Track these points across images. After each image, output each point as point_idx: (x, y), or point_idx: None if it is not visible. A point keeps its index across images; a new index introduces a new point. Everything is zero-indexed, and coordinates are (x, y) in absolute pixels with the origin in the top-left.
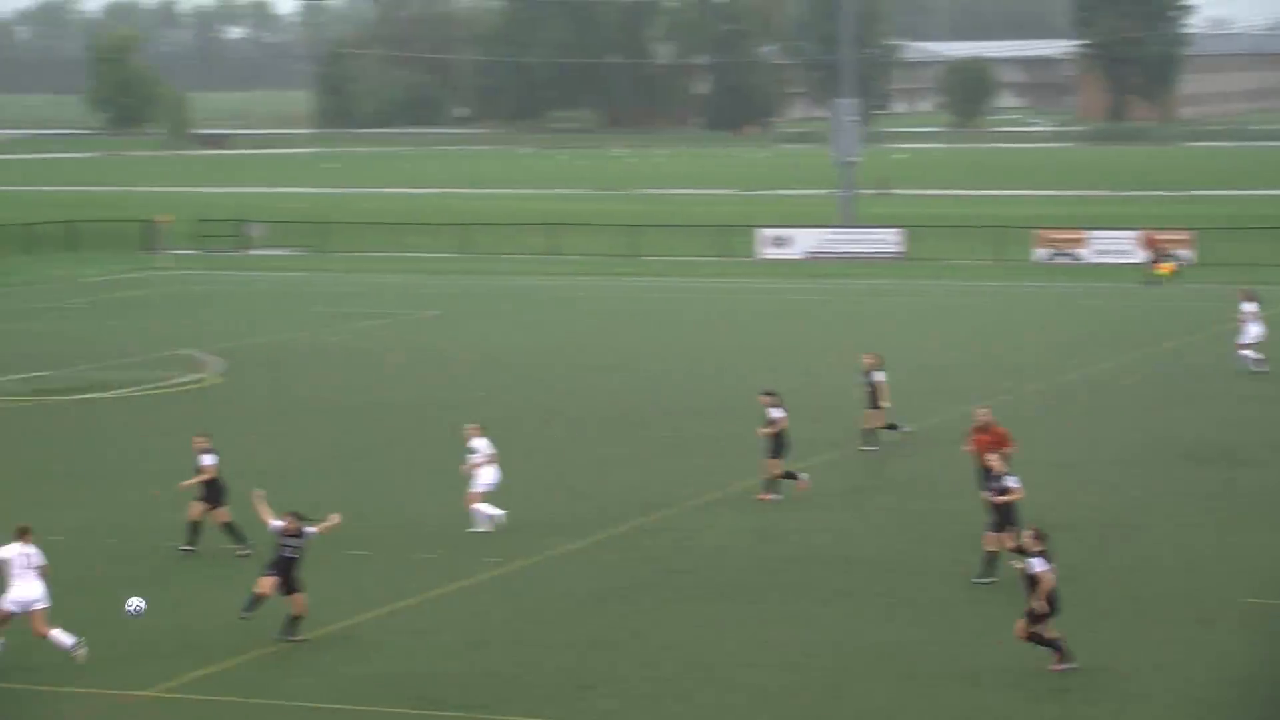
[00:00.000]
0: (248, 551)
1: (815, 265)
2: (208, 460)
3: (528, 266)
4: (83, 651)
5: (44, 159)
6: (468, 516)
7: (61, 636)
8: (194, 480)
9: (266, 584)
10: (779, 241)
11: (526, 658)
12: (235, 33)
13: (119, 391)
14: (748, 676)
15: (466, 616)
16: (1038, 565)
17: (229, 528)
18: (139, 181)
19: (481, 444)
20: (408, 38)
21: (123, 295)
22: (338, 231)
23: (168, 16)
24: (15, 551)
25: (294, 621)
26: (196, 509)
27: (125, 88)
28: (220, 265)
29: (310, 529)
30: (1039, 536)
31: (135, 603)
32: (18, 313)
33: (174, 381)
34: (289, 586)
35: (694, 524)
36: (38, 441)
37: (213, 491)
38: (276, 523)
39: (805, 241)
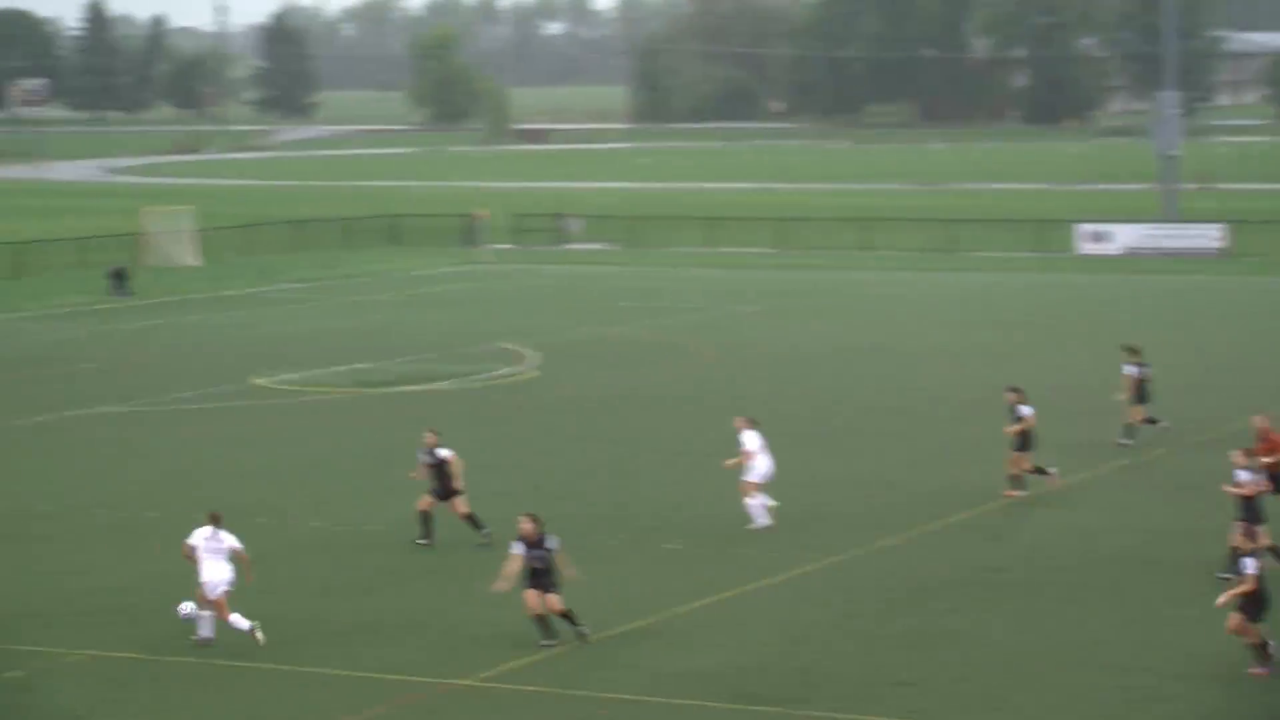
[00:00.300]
0: (487, 540)
1: (1135, 261)
2: (444, 453)
3: (842, 261)
4: (260, 635)
5: (367, 155)
6: (775, 512)
7: (239, 621)
8: (420, 472)
9: (534, 601)
10: (1098, 237)
11: (842, 653)
12: (553, 28)
13: (440, 384)
14: (1066, 678)
15: (782, 611)
16: (1249, 565)
17: (470, 519)
18: (459, 176)
19: (751, 436)
20: (723, 32)
21: (442, 289)
22: (652, 226)
23: (488, 13)
24: (204, 536)
25: (564, 618)
26: (426, 501)
27: (446, 84)
28: (537, 259)
29: (552, 543)
30: (1251, 534)
31: (187, 607)
32: (340, 306)
33: (493, 375)
34: (545, 591)
35: (1009, 521)
36: (359, 433)
37: (443, 484)
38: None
39: (1125, 237)
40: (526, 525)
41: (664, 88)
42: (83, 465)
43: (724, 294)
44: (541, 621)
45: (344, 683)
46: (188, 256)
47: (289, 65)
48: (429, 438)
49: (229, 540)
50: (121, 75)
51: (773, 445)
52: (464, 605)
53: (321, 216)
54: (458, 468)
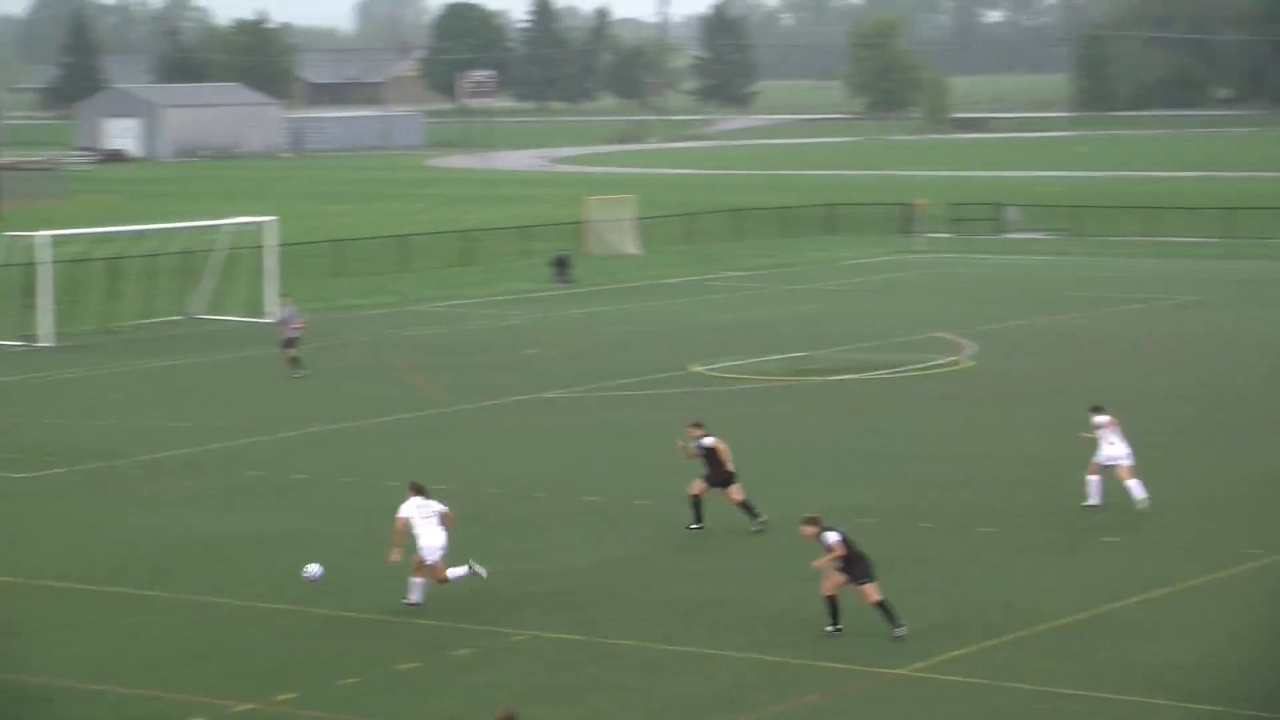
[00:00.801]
0: (761, 528)
1: None
2: (708, 442)
3: None
4: (480, 569)
5: (804, 144)
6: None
7: (456, 572)
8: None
9: (830, 585)
10: None
11: None
12: (994, 16)
13: (877, 373)
14: None
15: (1226, 607)
16: None
17: (744, 505)
18: (897, 165)
19: (1103, 420)
20: (1168, 18)
21: (879, 278)
22: (1091, 215)
23: (928, 1)
24: (414, 506)
25: (881, 608)
26: (698, 486)
27: (885, 72)
28: (974, 248)
29: (831, 534)
30: None
31: (313, 569)
32: (778, 295)
33: (930, 364)
34: (857, 581)
35: None
36: (794, 420)
37: (715, 471)
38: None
39: None
40: (809, 529)
41: (1106, 75)
42: (526, 449)
43: (1165, 283)
44: (831, 603)
45: (778, 669)
46: (628, 245)
47: (729, 55)
48: (694, 430)
49: (436, 506)
50: (566, 66)
51: (1209, 439)
52: (901, 594)
53: (760, 205)
54: (725, 454)
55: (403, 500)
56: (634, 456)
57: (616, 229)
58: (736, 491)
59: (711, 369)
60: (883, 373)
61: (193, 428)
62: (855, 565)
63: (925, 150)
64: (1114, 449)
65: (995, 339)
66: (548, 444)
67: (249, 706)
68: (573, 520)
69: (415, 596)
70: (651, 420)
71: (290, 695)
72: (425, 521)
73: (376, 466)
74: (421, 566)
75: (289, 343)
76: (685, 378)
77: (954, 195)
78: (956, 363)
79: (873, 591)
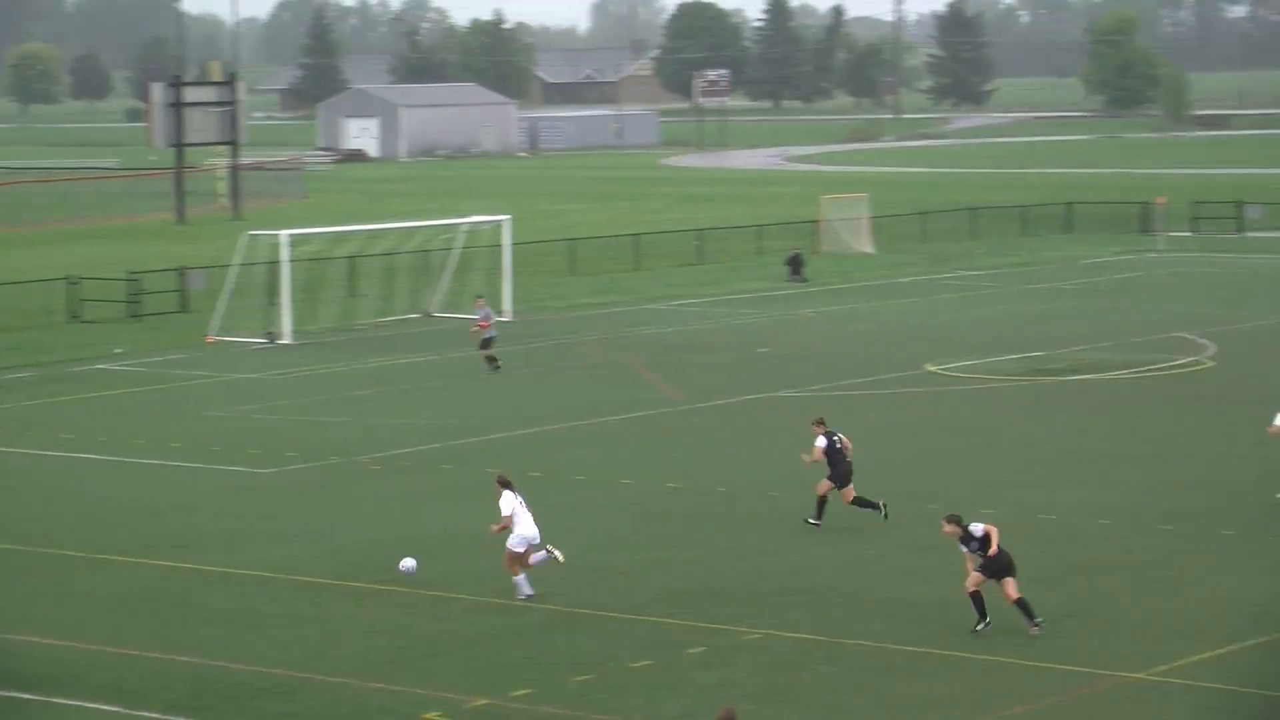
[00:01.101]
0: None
1: None
2: (821, 443)
3: None
4: (558, 553)
5: (1043, 141)
6: None
7: (539, 558)
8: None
9: (972, 582)
10: None
11: None
12: (1236, 11)
13: (1116, 373)
14: None
15: None
16: None
17: (859, 502)
18: (1135, 163)
19: None
20: None
21: (1117, 277)
22: None
23: None
24: (515, 501)
25: (1019, 605)
26: (824, 486)
27: (1124, 69)
28: (1215, 247)
29: (978, 527)
30: None
31: (408, 563)
32: (1014, 294)
33: (1170, 364)
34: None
35: None
36: (1033, 421)
37: (838, 471)
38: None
39: None
40: (950, 528)
41: None
42: (759, 448)
43: None
44: (977, 599)
45: (1015, 671)
46: (863, 244)
47: (964, 53)
48: (816, 427)
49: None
50: (800, 65)
51: None
52: (1140, 597)
53: (996, 204)
54: (849, 451)
55: (536, 495)
56: (869, 456)
57: (851, 227)
58: (850, 492)
59: (946, 368)
60: (1121, 373)
61: (428, 425)
62: (995, 562)
63: (1165, 148)
64: None
65: (1236, 339)
66: (781, 443)
67: (484, 702)
68: (783, 517)
69: (527, 589)
70: (885, 420)
71: (525, 691)
72: (524, 513)
73: (610, 464)
74: (516, 560)
75: (485, 343)
76: (920, 377)
77: (1195, 194)
78: (1197, 363)
79: (1012, 588)
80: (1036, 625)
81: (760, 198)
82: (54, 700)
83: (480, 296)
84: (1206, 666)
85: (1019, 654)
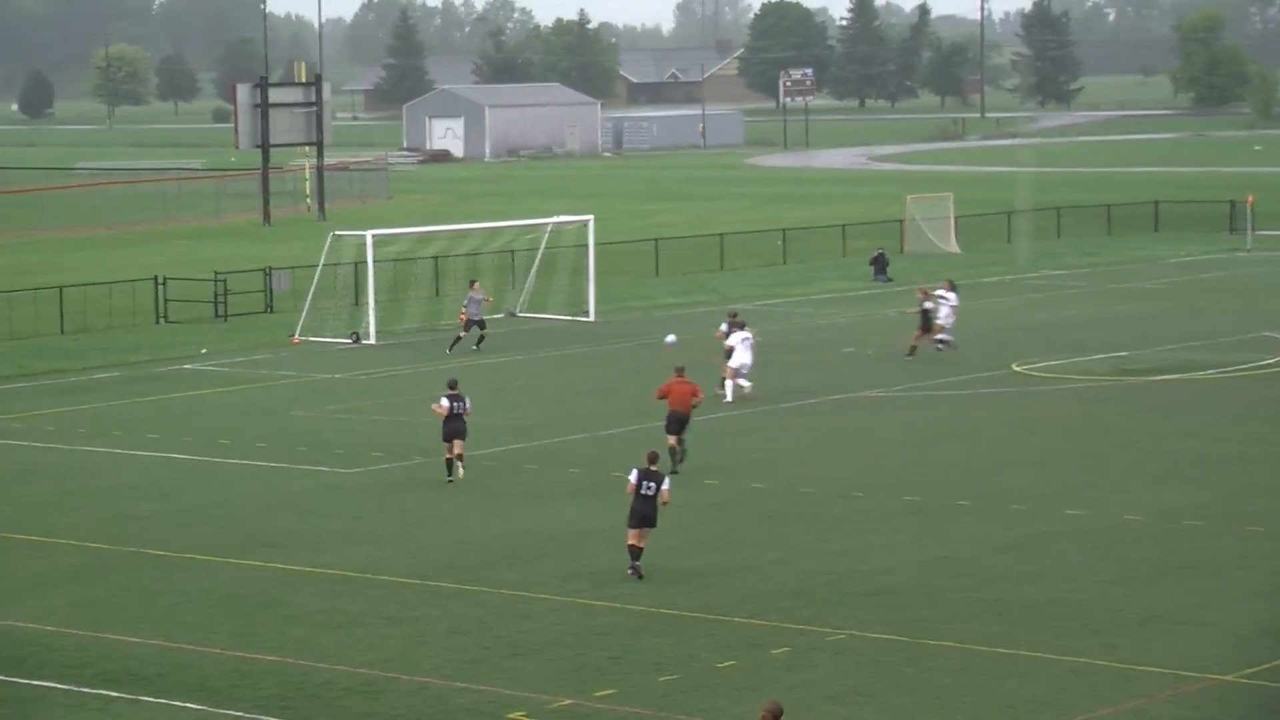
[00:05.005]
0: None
1: None
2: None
3: None
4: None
5: (1131, 140)
6: None
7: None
8: None
9: None
10: None
11: None
12: None
13: (1203, 373)
14: None
15: None
16: None
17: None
18: (1224, 162)
19: None
20: None
21: (1205, 276)
22: None
23: None
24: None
25: None
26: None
27: (1212, 67)
28: None
29: None
30: None
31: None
32: (1101, 294)
33: (1259, 364)
34: None
35: None
36: (1120, 421)
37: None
38: None
39: None
40: None
41: None
42: (844, 448)
43: None
44: None
45: (1101, 673)
46: (948, 243)
47: (1050, 51)
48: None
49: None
50: (885, 64)
51: None
52: (1229, 598)
53: (1082, 203)
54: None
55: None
56: (955, 456)
57: (936, 227)
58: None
59: (1033, 368)
60: (1209, 372)
61: (514, 425)
62: None
63: (1253, 146)
64: None
65: None
66: (866, 443)
67: (568, 702)
68: (891, 520)
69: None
70: (973, 420)
71: (609, 691)
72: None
73: (694, 464)
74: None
75: (479, 324)
76: (1007, 377)
77: None
78: None
79: None
80: None
81: (843, 197)
82: (141, 698)
83: (475, 281)
84: None
85: (1104, 655)
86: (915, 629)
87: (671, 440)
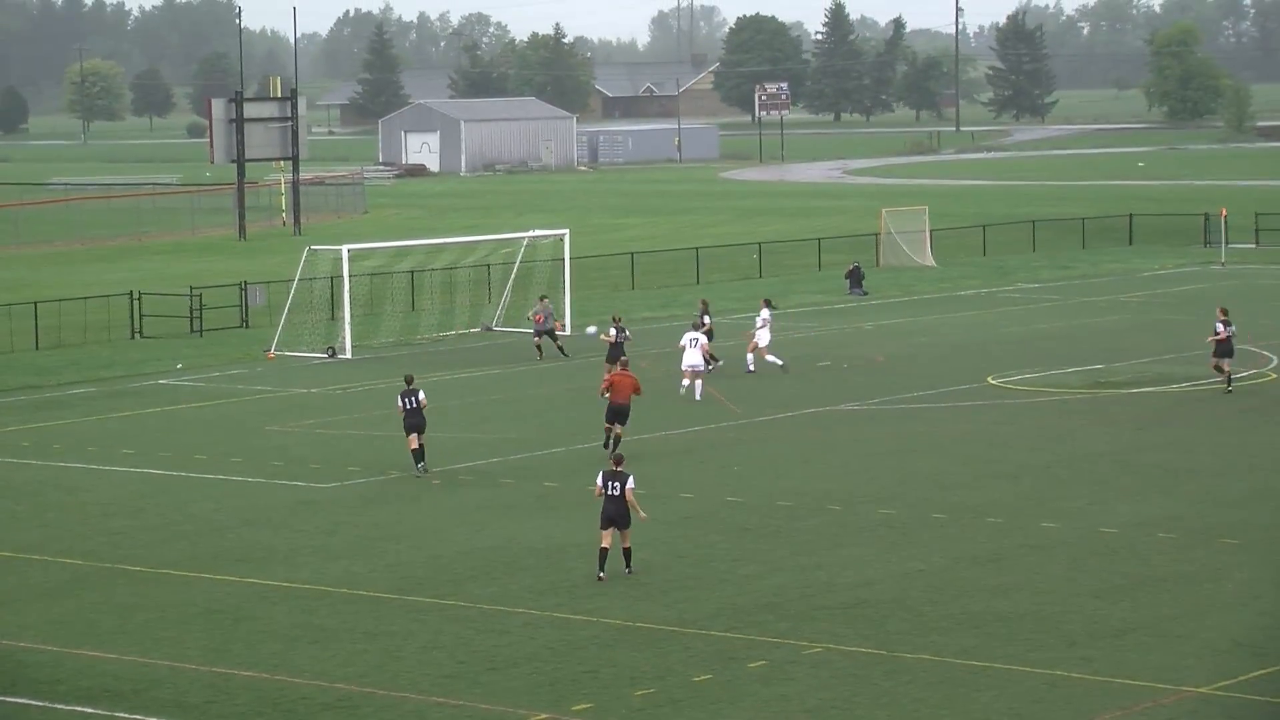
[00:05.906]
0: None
1: None
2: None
3: None
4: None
5: (1103, 153)
6: None
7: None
8: None
9: None
10: None
11: None
12: None
13: (1178, 386)
14: None
15: None
16: None
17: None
18: (1197, 175)
19: None
20: None
21: (1178, 289)
22: None
23: (1230, 8)
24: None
25: None
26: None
27: (1186, 81)
28: (1277, 259)
29: None
30: None
31: (591, 329)
32: (1075, 307)
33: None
34: None
35: None
36: (1090, 434)
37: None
38: None
39: None
40: None
41: None
42: (819, 462)
43: None
44: None
45: (1077, 685)
46: (923, 256)
47: (1025, 65)
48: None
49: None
50: (860, 78)
51: None
52: (1204, 611)
53: (1056, 216)
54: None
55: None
56: (931, 469)
57: (911, 240)
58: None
59: (1008, 381)
60: (1183, 385)
61: (488, 439)
62: None
63: (1227, 159)
64: None
65: None
66: (842, 456)
67: (544, 716)
68: (868, 533)
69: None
70: (949, 433)
71: (586, 705)
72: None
73: (669, 478)
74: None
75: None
76: (982, 390)
77: (1258, 205)
78: (1260, 375)
79: None
80: None
81: (818, 211)
82: (116, 714)
83: (544, 297)
84: (1271, 681)
85: (1080, 668)
86: (892, 642)
87: (608, 426)
